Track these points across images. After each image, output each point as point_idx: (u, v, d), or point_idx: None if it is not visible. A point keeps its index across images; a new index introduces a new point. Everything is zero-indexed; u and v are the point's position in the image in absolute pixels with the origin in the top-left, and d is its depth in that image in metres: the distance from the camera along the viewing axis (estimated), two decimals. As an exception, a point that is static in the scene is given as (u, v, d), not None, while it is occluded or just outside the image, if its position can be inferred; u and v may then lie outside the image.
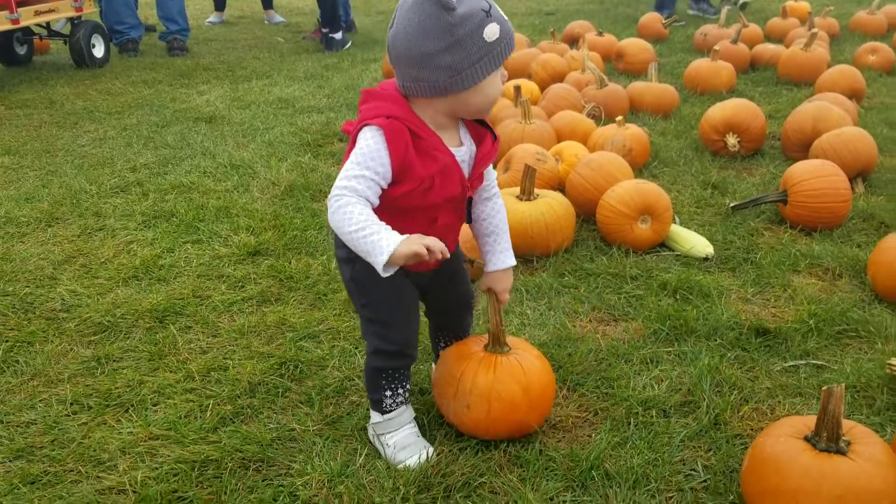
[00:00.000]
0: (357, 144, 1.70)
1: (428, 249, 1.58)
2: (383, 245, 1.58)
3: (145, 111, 5.08)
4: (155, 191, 3.70)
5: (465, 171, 1.79)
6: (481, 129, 1.83)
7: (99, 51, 6.34)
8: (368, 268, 1.68)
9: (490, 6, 1.62)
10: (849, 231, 3.16)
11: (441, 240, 1.70)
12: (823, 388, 1.66)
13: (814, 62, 5.31)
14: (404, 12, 1.63)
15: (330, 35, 6.97)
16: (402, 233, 1.62)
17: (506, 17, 1.67)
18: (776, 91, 5.29)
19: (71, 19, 6.24)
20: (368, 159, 1.66)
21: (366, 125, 1.69)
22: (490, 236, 1.97)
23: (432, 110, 1.71)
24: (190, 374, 2.32)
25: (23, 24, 5.76)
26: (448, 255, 1.64)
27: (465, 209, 1.87)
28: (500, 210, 1.97)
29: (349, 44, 7.12)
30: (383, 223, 1.63)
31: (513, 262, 1.99)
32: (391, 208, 1.74)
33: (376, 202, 1.69)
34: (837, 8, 7.25)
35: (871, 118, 4.56)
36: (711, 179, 3.71)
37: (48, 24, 6.23)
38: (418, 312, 1.97)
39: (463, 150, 1.78)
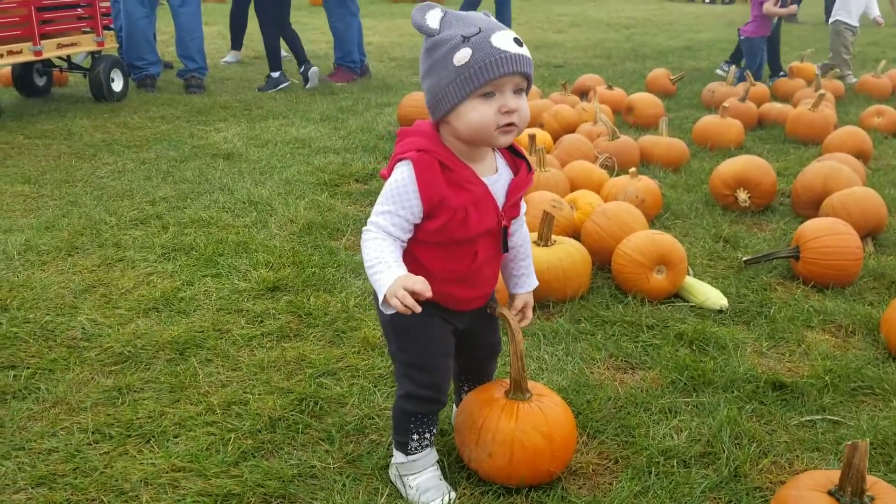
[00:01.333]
0: (391, 178, 1.76)
1: (413, 293, 1.64)
2: (381, 286, 1.66)
3: (164, 146, 5.15)
4: (174, 224, 3.74)
5: (500, 199, 1.82)
6: (517, 158, 1.87)
7: (118, 85, 6.44)
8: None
9: (476, 32, 1.64)
10: (860, 289, 3.20)
11: (482, 274, 1.84)
12: (848, 442, 1.68)
13: (821, 122, 5.42)
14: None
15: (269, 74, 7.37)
16: (445, 270, 1.74)
17: (497, 47, 1.63)
18: (784, 149, 5.39)
19: (91, 53, 6.35)
20: (396, 194, 1.72)
21: (399, 160, 1.75)
22: (525, 260, 2.02)
23: (451, 138, 1.75)
24: (211, 406, 2.33)
25: (45, 56, 5.87)
26: (428, 294, 1.66)
27: (501, 241, 1.89)
28: (528, 235, 2.03)
29: (286, 84, 7.36)
30: (395, 260, 1.69)
31: (536, 282, 2.07)
32: (432, 245, 1.79)
33: (404, 237, 1.75)
34: (841, 71, 7.41)
35: (878, 179, 4.64)
36: (723, 233, 3.76)
37: (69, 56, 6.34)
38: (452, 357, 2.00)
39: (496, 178, 1.82)
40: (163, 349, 2.65)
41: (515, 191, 1.85)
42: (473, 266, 1.82)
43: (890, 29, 13.75)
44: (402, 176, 1.72)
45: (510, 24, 10.35)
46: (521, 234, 2.00)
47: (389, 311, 1.69)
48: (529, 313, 2.04)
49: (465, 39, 1.63)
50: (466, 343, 2.05)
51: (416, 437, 1.97)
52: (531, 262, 2.05)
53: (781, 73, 7.60)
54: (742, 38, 7.37)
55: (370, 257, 1.71)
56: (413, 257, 1.82)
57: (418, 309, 1.65)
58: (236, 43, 8.80)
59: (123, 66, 6.60)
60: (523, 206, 1.98)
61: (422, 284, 1.65)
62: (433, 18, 1.67)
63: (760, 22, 7.25)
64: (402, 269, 1.68)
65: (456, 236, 1.77)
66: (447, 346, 1.95)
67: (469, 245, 1.81)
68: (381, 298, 1.66)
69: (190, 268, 3.27)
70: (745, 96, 6.00)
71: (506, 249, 1.91)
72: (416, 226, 1.77)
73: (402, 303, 1.63)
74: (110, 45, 6.42)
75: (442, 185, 1.71)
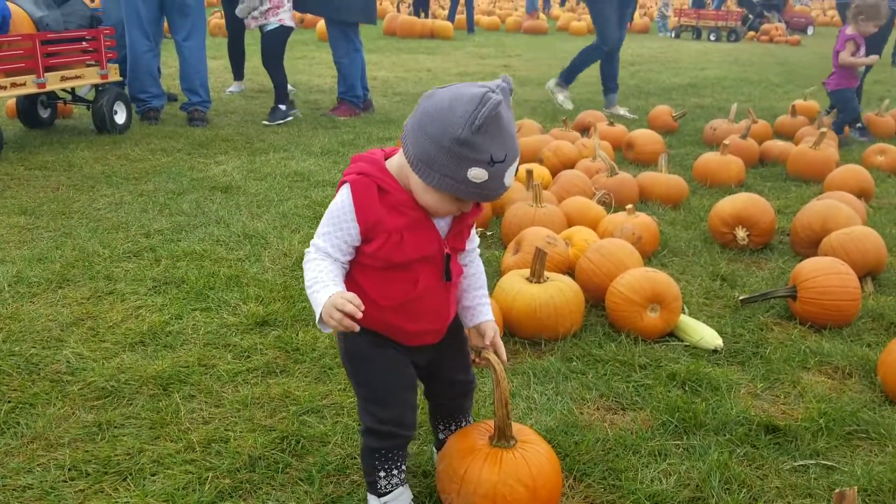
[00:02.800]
0: (332, 202, 1.80)
1: (344, 311, 1.66)
2: (318, 304, 1.70)
3: (163, 178, 5.15)
4: (167, 257, 3.72)
5: (443, 228, 1.82)
6: None
7: (121, 117, 6.47)
8: (362, 343, 1.81)
9: (502, 160, 1.62)
10: (858, 330, 3.15)
11: (424, 305, 1.83)
12: (836, 490, 1.63)
13: (823, 160, 5.39)
14: (455, 92, 1.63)
15: (276, 105, 7.32)
16: (385, 296, 1.79)
17: (503, 182, 1.66)
18: (785, 187, 5.36)
19: (95, 85, 6.39)
20: (335, 216, 1.77)
21: (342, 183, 1.79)
22: (480, 289, 2.00)
23: (402, 171, 1.74)
24: (191, 444, 2.29)
25: (49, 88, 5.91)
26: (359, 314, 1.66)
27: (443, 269, 1.86)
28: (482, 268, 2.02)
29: (291, 117, 7.38)
30: (332, 279, 1.73)
31: (492, 314, 2.03)
32: (372, 269, 1.80)
33: (343, 259, 1.79)
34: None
35: (879, 218, 4.60)
36: (720, 271, 3.72)
37: (73, 88, 6.39)
38: (415, 390, 1.96)
39: None
40: (146, 384, 2.62)
41: (460, 220, 1.84)
42: (414, 294, 1.81)
43: (893, 68, 13.80)
44: (342, 199, 1.76)
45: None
46: (475, 266, 2.00)
47: (327, 330, 1.74)
48: (499, 341, 1.98)
49: (491, 164, 1.62)
50: (435, 380, 2.02)
51: (382, 473, 1.93)
52: (486, 293, 2.02)
53: (859, 125, 7.13)
54: (829, 91, 6.93)
55: (308, 278, 1.76)
56: (355, 283, 1.83)
57: (355, 328, 1.67)
58: (238, 73, 8.90)
59: (127, 98, 6.64)
60: (475, 240, 1.97)
61: (352, 306, 1.66)
62: (488, 106, 1.58)
63: (842, 73, 6.77)
64: (337, 288, 1.72)
65: (392, 260, 1.77)
66: (406, 379, 1.92)
67: (408, 271, 1.80)
68: (316, 318, 1.71)
69: (180, 301, 3.25)
70: (746, 133, 5.99)
71: (448, 278, 1.87)
72: (356, 248, 1.79)
73: (336, 322, 1.67)
74: (115, 79, 6.46)
75: (377, 207, 1.73)
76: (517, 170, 1.71)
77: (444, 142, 1.60)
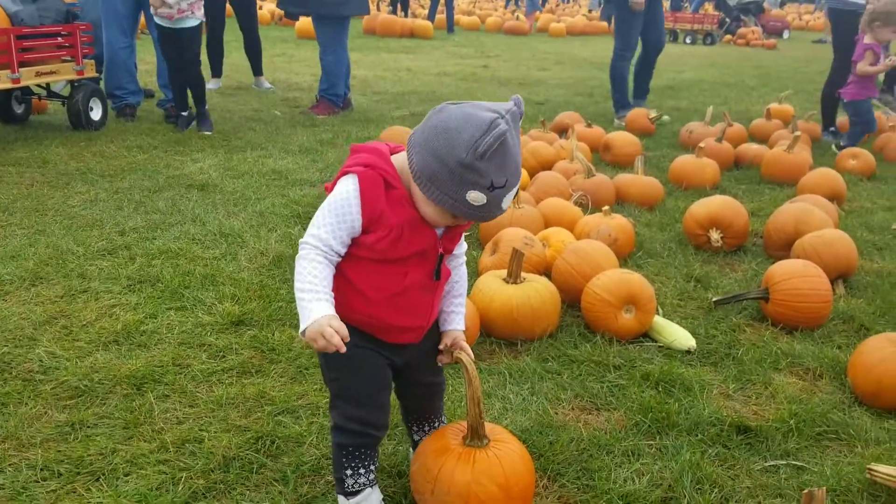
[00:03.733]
0: (333, 192, 1.78)
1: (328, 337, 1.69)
2: (307, 315, 1.70)
3: (138, 175, 5.11)
4: (142, 255, 3.70)
5: (439, 230, 1.83)
6: None
7: (96, 114, 6.41)
8: None
9: (502, 185, 1.63)
10: (829, 332, 3.19)
11: (412, 299, 1.84)
12: (805, 490, 1.66)
13: (796, 164, 5.46)
14: (465, 113, 1.63)
15: (181, 113, 6.61)
16: (373, 288, 1.79)
17: (501, 207, 1.68)
18: (759, 190, 5.42)
19: (71, 81, 6.32)
20: (339, 207, 1.74)
21: (345, 174, 1.77)
22: (458, 297, 2.01)
23: (404, 168, 1.75)
24: (164, 444, 2.28)
25: (23, 83, 5.84)
26: (343, 350, 1.70)
27: (434, 267, 1.88)
28: (465, 276, 2.03)
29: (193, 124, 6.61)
30: (328, 294, 1.73)
31: (464, 325, 2.04)
32: (363, 260, 1.80)
33: (342, 251, 1.78)
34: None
35: (851, 221, 4.67)
36: (694, 273, 3.76)
37: (48, 84, 6.32)
38: (388, 392, 1.96)
39: None
40: (120, 384, 2.60)
41: (455, 226, 1.85)
42: (402, 287, 1.82)
43: (868, 73, 13.96)
44: (347, 189, 1.74)
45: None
46: (459, 273, 2.00)
47: (304, 339, 1.74)
48: (465, 345, 1.98)
49: (491, 189, 1.63)
50: (407, 381, 2.03)
51: (349, 471, 1.93)
52: (464, 302, 2.03)
53: (832, 129, 7.13)
54: (844, 101, 6.67)
55: (306, 279, 1.74)
56: (344, 277, 1.82)
57: (343, 349, 1.70)
58: (216, 70, 8.85)
59: (103, 94, 6.58)
60: (463, 245, 1.97)
61: (338, 339, 1.69)
62: (494, 134, 1.59)
63: (861, 83, 6.48)
64: (330, 308, 1.72)
65: (388, 254, 1.78)
66: (381, 380, 1.92)
67: (400, 265, 1.81)
68: (302, 326, 1.71)
69: (154, 300, 3.23)
70: (721, 136, 6.05)
71: (437, 277, 1.89)
72: (353, 239, 1.79)
73: (320, 347, 1.69)
74: (91, 74, 6.39)
75: (382, 201, 1.74)
76: (516, 193, 1.72)
77: (449, 162, 1.61)
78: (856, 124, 6.65)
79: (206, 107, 6.70)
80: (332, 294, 1.76)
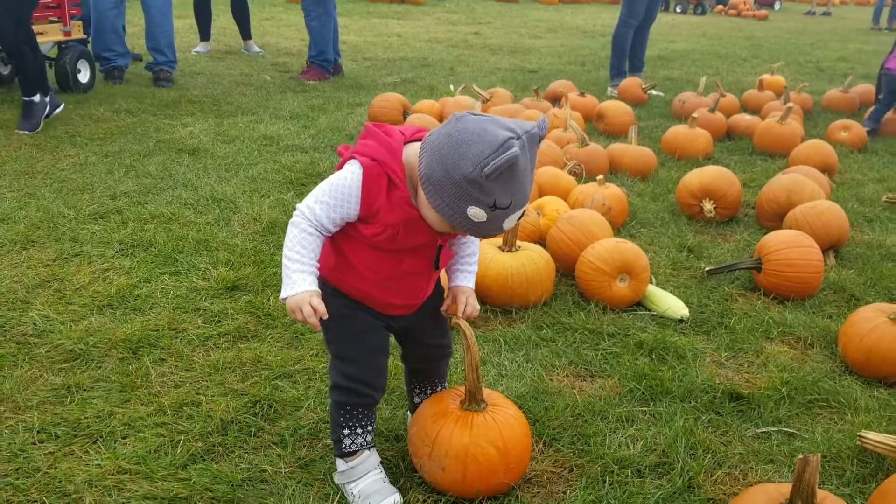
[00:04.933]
0: (339, 172, 1.77)
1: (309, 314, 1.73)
2: (290, 283, 1.72)
3: (128, 139, 5.06)
4: (134, 219, 3.67)
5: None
6: None
7: (84, 76, 6.33)
8: (338, 303, 1.82)
9: (506, 206, 1.60)
10: (820, 302, 3.22)
11: (406, 283, 1.86)
12: (799, 456, 1.69)
13: (788, 135, 5.47)
14: (481, 128, 1.58)
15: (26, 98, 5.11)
16: (368, 268, 1.81)
17: (501, 226, 1.65)
18: (751, 161, 5.43)
19: (58, 43, 6.23)
20: (339, 192, 1.73)
21: (354, 158, 1.75)
22: (468, 256, 2.00)
23: (412, 166, 1.72)
24: (162, 407, 2.29)
25: (9, 44, 5.74)
26: (317, 328, 1.77)
27: (433, 256, 1.88)
28: (478, 244, 2.03)
29: (60, 108, 5.42)
30: (311, 264, 1.75)
31: (473, 284, 2.01)
32: (363, 244, 1.80)
33: (333, 230, 1.78)
34: (810, 85, 7.49)
35: (842, 193, 4.69)
36: (687, 243, 3.78)
37: (35, 46, 6.21)
38: (385, 354, 1.97)
39: None
40: (115, 347, 2.59)
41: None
42: (398, 271, 1.83)
43: (858, 45, 13.99)
44: (351, 177, 1.73)
45: None
46: (474, 241, 2.00)
47: (283, 302, 1.76)
48: (469, 310, 1.97)
49: (493, 208, 1.60)
50: (412, 343, 2.04)
51: (346, 431, 1.94)
52: (475, 261, 2.02)
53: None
54: (884, 72, 6.22)
55: (294, 248, 1.75)
56: (341, 253, 1.83)
57: (318, 328, 1.78)
58: (204, 34, 8.75)
59: (91, 57, 6.49)
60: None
61: (314, 319, 1.73)
62: (504, 157, 1.55)
63: None
64: (314, 283, 1.75)
65: (386, 247, 1.79)
66: (377, 341, 1.93)
67: (398, 254, 1.82)
68: (284, 293, 1.74)
69: (148, 265, 3.21)
70: (714, 107, 6.04)
71: (436, 266, 1.90)
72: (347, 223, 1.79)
73: (299, 319, 1.73)
74: (78, 36, 6.29)
75: (382, 198, 1.72)
76: (522, 215, 1.69)
77: (454, 174, 1.58)
78: (889, 94, 6.27)
79: (39, 97, 5.12)
80: (318, 265, 1.77)
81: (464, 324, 1.94)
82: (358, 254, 1.82)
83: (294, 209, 1.78)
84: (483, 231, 1.67)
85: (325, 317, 1.74)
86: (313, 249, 1.76)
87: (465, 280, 2.00)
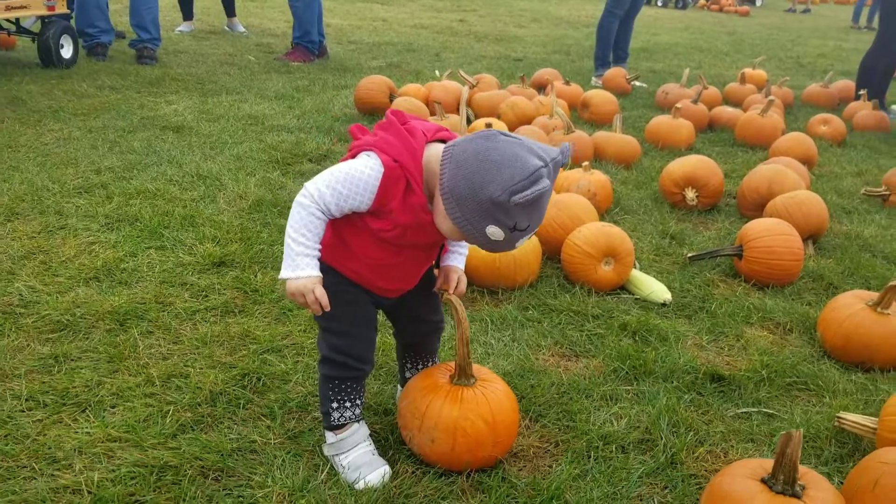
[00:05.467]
0: (356, 162, 1.73)
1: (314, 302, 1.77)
2: (293, 265, 1.72)
3: (112, 115, 5.02)
4: (119, 194, 3.65)
5: None
6: None
7: (67, 52, 6.26)
8: (329, 280, 1.81)
9: (524, 228, 1.62)
10: (799, 289, 3.28)
11: (402, 270, 1.88)
12: (783, 432, 1.73)
13: (769, 128, 5.53)
14: (512, 153, 1.59)
15: None
16: (366, 255, 1.81)
17: (514, 245, 1.68)
18: (732, 152, 5.49)
19: (42, 17, 6.15)
20: (353, 184, 1.70)
21: (373, 151, 1.72)
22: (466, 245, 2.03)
23: (430, 168, 1.72)
24: (150, 378, 2.29)
25: (-9, 16, 5.68)
26: (326, 310, 1.78)
27: (436, 253, 1.94)
28: None
29: None
30: (315, 248, 1.74)
31: (463, 264, 2.04)
32: (365, 233, 1.80)
33: (338, 216, 1.76)
34: (790, 80, 7.58)
35: (821, 185, 4.76)
36: (670, 230, 3.82)
37: (17, 19, 6.14)
38: (374, 329, 1.99)
39: None
40: (102, 319, 2.59)
41: None
42: (397, 261, 1.85)
43: (837, 42, 14.14)
44: (370, 172, 1.69)
45: None
46: None
47: (283, 279, 1.76)
48: (464, 279, 2.01)
49: (512, 230, 1.62)
50: (406, 317, 2.06)
51: (335, 405, 1.96)
52: (466, 246, 2.04)
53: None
54: None
55: (300, 230, 1.72)
56: (340, 236, 1.83)
57: (318, 312, 1.79)
58: (187, 13, 8.66)
59: (74, 32, 6.41)
60: None
61: (317, 307, 1.77)
62: (535, 188, 1.57)
63: None
64: (317, 266, 1.75)
65: (391, 242, 1.80)
66: (365, 315, 1.95)
67: (400, 247, 1.83)
68: (281, 275, 1.75)
69: (134, 239, 3.20)
70: (697, 98, 6.10)
71: (437, 265, 1.95)
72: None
73: (304, 300, 1.76)
74: (61, 11, 6.22)
75: (398, 199, 1.71)
76: (529, 237, 1.71)
77: (481, 195, 1.59)
78: None
79: None
80: (321, 248, 1.77)
81: (456, 300, 1.96)
82: (358, 240, 1.81)
83: (302, 189, 1.75)
84: (495, 247, 1.68)
85: (328, 309, 1.77)
86: (318, 233, 1.74)
87: (457, 261, 2.02)
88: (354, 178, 1.70)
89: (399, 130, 1.73)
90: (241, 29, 8.84)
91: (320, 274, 1.76)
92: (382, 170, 1.69)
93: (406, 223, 1.74)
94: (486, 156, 1.59)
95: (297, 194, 1.75)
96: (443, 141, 1.77)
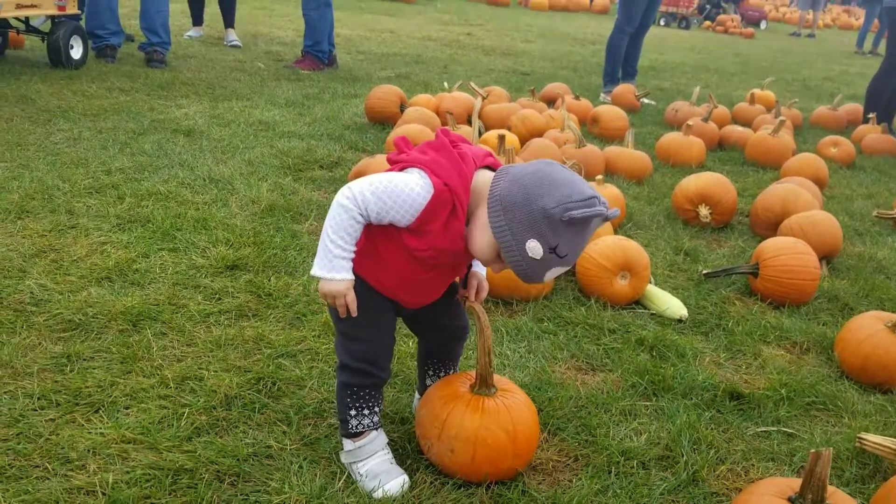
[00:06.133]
0: (406, 176, 1.71)
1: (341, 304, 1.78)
2: (329, 266, 1.72)
3: (122, 117, 5.00)
4: (131, 195, 3.63)
5: None
6: None
7: (77, 52, 6.24)
8: (354, 285, 1.79)
9: (563, 256, 1.64)
10: (815, 309, 3.26)
11: (428, 286, 1.88)
12: (812, 450, 1.70)
13: (780, 148, 5.53)
14: (571, 178, 1.63)
15: None
16: (397, 269, 1.79)
17: (544, 279, 1.70)
18: (743, 171, 5.48)
19: (52, 17, 6.14)
20: (401, 200, 1.68)
21: (424, 170, 1.70)
22: None
23: (475, 192, 1.72)
24: (164, 380, 2.26)
25: (3, 15, 5.66)
26: (354, 315, 1.79)
27: (464, 270, 1.95)
28: None
29: None
30: (352, 251, 1.74)
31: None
32: (401, 247, 1.77)
33: (375, 224, 1.74)
34: (798, 102, 7.60)
35: (832, 206, 4.75)
36: (683, 246, 3.80)
37: (27, 18, 6.13)
38: (393, 336, 1.95)
39: None
40: (115, 319, 2.56)
41: None
42: (425, 276, 1.83)
43: (843, 67, 14.20)
44: (419, 191, 1.67)
45: None
46: None
47: (317, 276, 1.76)
48: (483, 293, 2.01)
49: (552, 251, 1.63)
50: (428, 325, 2.04)
51: (353, 412, 1.93)
52: None
53: None
54: None
55: (339, 232, 1.71)
56: (374, 244, 1.80)
57: (344, 314, 1.80)
58: (197, 19, 8.62)
59: (84, 33, 6.40)
60: None
61: (345, 311, 1.78)
62: (590, 210, 1.59)
63: None
64: (351, 271, 1.75)
65: (424, 262, 1.78)
66: (388, 324, 1.92)
67: (431, 266, 1.82)
68: (315, 272, 1.74)
69: (146, 240, 3.17)
70: (708, 116, 6.09)
71: (464, 286, 1.97)
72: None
73: (335, 302, 1.77)
74: (72, 11, 6.21)
75: (441, 222, 1.70)
76: (558, 273, 1.71)
77: (534, 204, 1.60)
78: None
79: None
80: (355, 250, 1.76)
81: (479, 308, 1.94)
82: (392, 254, 1.79)
83: (344, 188, 1.72)
84: (527, 270, 1.67)
85: (355, 315, 1.78)
86: (355, 236, 1.73)
87: (477, 266, 2.00)
88: (403, 193, 1.68)
89: (451, 154, 1.72)
90: (235, 40, 8.53)
91: (353, 277, 1.75)
92: (433, 192, 1.67)
93: (443, 247, 1.73)
94: (547, 174, 1.63)
95: (319, 198, 1.73)
96: (491, 168, 1.76)
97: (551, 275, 1.69)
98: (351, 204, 1.69)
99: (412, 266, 1.80)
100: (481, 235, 1.69)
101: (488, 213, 1.66)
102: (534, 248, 1.62)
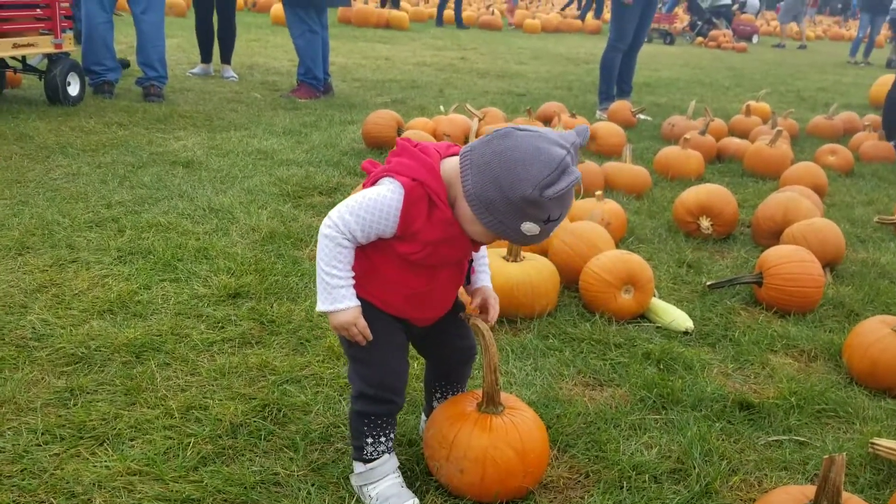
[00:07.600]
0: (377, 188, 1.71)
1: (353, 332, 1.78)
2: (331, 298, 1.73)
3: (120, 151, 5.01)
4: (131, 228, 3.62)
5: None
6: None
7: (74, 89, 6.27)
8: (361, 310, 1.79)
9: (557, 218, 1.63)
10: (821, 317, 3.24)
11: (434, 297, 1.85)
12: (825, 457, 1.68)
13: (778, 158, 5.53)
14: (534, 147, 1.57)
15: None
16: (400, 282, 1.78)
17: (549, 236, 1.69)
18: (742, 182, 5.48)
19: (48, 55, 6.18)
20: (377, 210, 1.69)
21: (391, 176, 1.70)
22: (483, 258, 2.01)
23: (451, 181, 1.70)
24: (169, 410, 2.24)
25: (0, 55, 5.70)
26: (369, 339, 1.80)
27: (466, 270, 1.91)
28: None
29: None
30: (350, 279, 1.74)
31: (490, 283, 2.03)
32: (397, 259, 1.77)
33: (364, 243, 1.75)
34: (793, 113, 7.62)
35: (832, 214, 4.74)
36: (686, 259, 3.79)
37: (24, 57, 6.17)
38: (406, 359, 1.94)
39: None
40: (118, 351, 2.54)
41: None
42: (429, 287, 1.82)
43: (836, 77, 14.26)
44: (391, 195, 1.68)
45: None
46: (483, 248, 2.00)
47: (323, 312, 1.77)
48: (493, 312, 1.97)
49: (546, 222, 1.63)
50: (437, 345, 2.01)
51: (370, 440, 1.91)
52: (487, 262, 2.03)
53: None
54: None
55: (332, 262, 1.72)
56: (373, 265, 1.80)
57: (362, 342, 1.80)
58: (206, 55, 8.59)
59: (81, 69, 6.44)
60: None
61: (361, 338, 1.79)
62: (566, 179, 1.57)
63: None
64: (355, 298, 1.77)
65: (422, 264, 1.77)
66: (399, 345, 1.90)
67: (431, 269, 1.80)
68: (329, 308, 1.74)
69: (147, 272, 3.17)
70: (705, 130, 6.11)
71: (468, 282, 1.93)
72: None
73: (348, 333, 1.78)
74: (69, 49, 6.25)
75: (422, 218, 1.70)
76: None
77: (511, 195, 1.58)
78: None
79: None
80: (354, 274, 1.76)
81: (483, 326, 1.92)
82: (391, 268, 1.78)
83: (325, 219, 1.73)
84: (531, 240, 1.68)
85: (370, 339, 1.78)
86: (349, 261, 1.74)
87: (486, 280, 1.99)
88: (378, 202, 1.68)
89: (412, 151, 1.73)
90: (231, 74, 8.57)
91: (358, 303, 1.75)
92: (403, 191, 1.68)
93: (435, 240, 1.72)
94: (509, 155, 1.59)
95: (319, 224, 1.73)
96: (456, 155, 1.75)
97: (553, 231, 1.69)
98: (334, 231, 1.71)
99: (414, 276, 1.79)
100: (473, 227, 1.69)
101: (471, 211, 1.65)
102: (529, 228, 1.62)
